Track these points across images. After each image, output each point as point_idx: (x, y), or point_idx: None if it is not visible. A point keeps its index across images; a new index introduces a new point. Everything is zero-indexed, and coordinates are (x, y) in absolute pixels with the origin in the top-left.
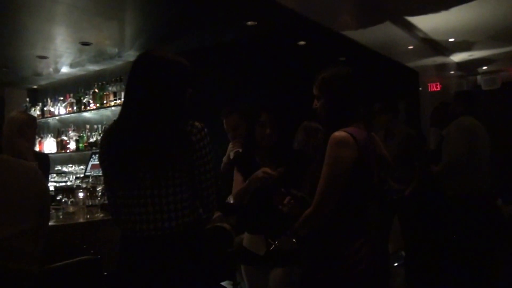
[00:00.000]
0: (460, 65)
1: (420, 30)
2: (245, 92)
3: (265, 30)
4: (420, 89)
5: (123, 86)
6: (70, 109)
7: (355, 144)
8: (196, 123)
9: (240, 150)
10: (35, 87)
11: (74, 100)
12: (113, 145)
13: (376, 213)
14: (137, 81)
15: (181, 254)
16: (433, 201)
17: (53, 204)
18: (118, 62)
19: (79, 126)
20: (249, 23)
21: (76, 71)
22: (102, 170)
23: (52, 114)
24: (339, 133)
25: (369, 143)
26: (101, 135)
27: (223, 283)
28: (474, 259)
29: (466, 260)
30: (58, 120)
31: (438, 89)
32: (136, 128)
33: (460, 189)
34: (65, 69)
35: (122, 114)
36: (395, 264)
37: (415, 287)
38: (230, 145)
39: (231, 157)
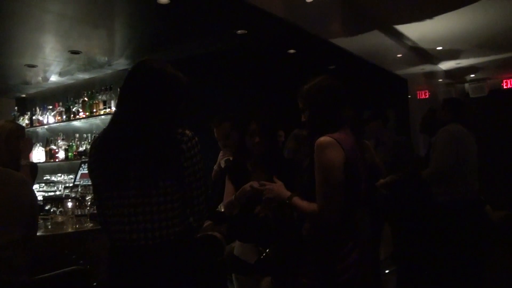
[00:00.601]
0: (448, 73)
1: (408, 39)
2: (235, 101)
3: (255, 38)
4: (409, 96)
5: (113, 95)
6: (59, 118)
7: (341, 148)
8: (187, 131)
9: (231, 158)
10: (23, 95)
11: (63, 109)
12: (103, 154)
13: (366, 219)
14: (133, 91)
15: (172, 264)
16: (423, 207)
17: (41, 214)
18: (107, 71)
19: (68, 135)
20: (239, 31)
21: (65, 79)
22: (91, 179)
23: (41, 123)
24: (324, 138)
25: (355, 149)
26: (91, 144)
27: None
28: (463, 265)
29: (456, 266)
30: (47, 129)
31: (427, 96)
32: (127, 138)
33: (449, 195)
34: (54, 78)
35: (113, 122)
36: (386, 271)
37: None
38: (221, 154)
39: (222, 165)
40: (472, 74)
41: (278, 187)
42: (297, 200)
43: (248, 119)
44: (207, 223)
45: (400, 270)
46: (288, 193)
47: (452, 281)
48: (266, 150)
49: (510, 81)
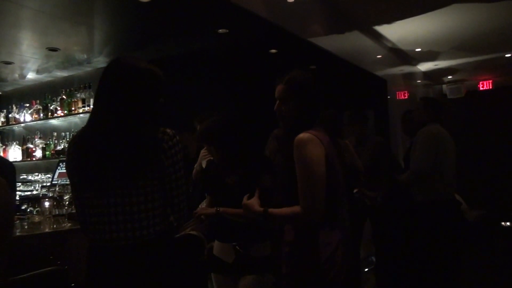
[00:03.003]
0: (426, 74)
1: (388, 40)
2: (218, 100)
3: (237, 38)
4: (388, 97)
5: (92, 93)
6: (36, 116)
7: (321, 144)
8: (168, 130)
9: (212, 158)
10: None
11: (40, 107)
12: (82, 153)
13: (346, 218)
14: (108, 88)
15: (152, 263)
16: (403, 207)
17: (18, 214)
18: (87, 69)
19: (46, 133)
20: (221, 31)
21: (43, 77)
22: (70, 178)
23: (18, 121)
24: (304, 135)
25: (332, 146)
26: (68, 142)
27: None
28: (440, 263)
29: (433, 264)
30: (23, 127)
31: (406, 97)
32: (106, 136)
33: (428, 195)
34: (31, 75)
35: (91, 121)
36: (366, 270)
37: None
38: (202, 152)
39: (203, 165)
40: (450, 75)
41: (248, 207)
42: (274, 211)
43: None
44: (189, 222)
45: (379, 268)
46: (261, 208)
47: (429, 279)
48: (225, 157)
49: (486, 82)
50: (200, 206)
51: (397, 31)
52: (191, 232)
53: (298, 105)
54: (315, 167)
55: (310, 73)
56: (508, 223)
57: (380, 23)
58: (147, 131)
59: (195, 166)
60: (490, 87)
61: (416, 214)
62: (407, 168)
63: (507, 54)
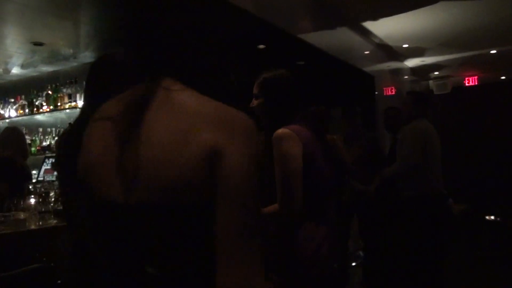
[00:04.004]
0: (413, 70)
1: (375, 36)
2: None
3: (224, 33)
4: (376, 93)
5: (79, 88)
6: (21, 111)
7: (299, 139)
8: None
9: None
10: None
11: (25, 102)
12: (70, 149)
13: (333, 213)
14: (94, 85)
15: None
16: (390, 201)
17: (2, 210)
18: (73, 64)
19: (31, 129)
20: None
21: (28, 72)
22: (58, 173)
23: (2, 117)
24: (281, 130)
25: (314, 142)
26: (58, 138)
27: None
28: (427, 257)
29: (420, 258)
30: (8, 123)
31: (393, 93)
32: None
33: (414, 190)
34: (16, 70)
35: (79, 117)
36: (353, 264)
37: (372, 287)
38: None
39: None
40: (436, 71)
41: None
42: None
43: None
44: None
45: (366, 263)
46: None
47: (416, 273)
48: None
49: (472, 78)
50: None
51: (385, 28)
52: None
53: (269, 102)
54: (290, 163)
55: (288, 72)
56: (492, 217)
57: (368, 19)
58: None
59: None
60: (476, 83)
61: (403, 208)
62: (391, 164)
63: (493, 50)
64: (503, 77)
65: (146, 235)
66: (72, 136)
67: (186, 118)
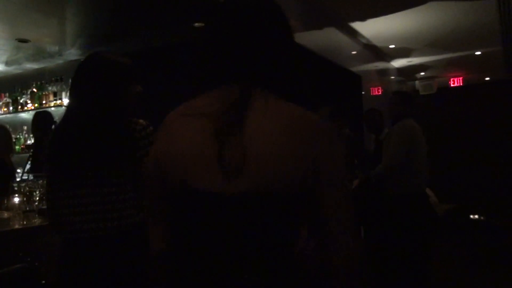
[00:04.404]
0: (400, 71)
1: (363, 37)
2: (193, 94)
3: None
4: (363, 93)
5: (64, 86)
6: (5, 109)
7: None
8: (141, 121)
9: None
10: None
11: (10, 100)
12: (55, 145)
13: None
14: (80, 82)
15: (127, 255)
16: (374, 200)
17: None
18: (58, 61)
19: (16, 127)
20: (196, 24)
21: (12, 69)
22: (46, 171)
23: None
24: None
25: None
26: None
27: None
28: (411, 255)
29: (404, 257)
30: None
31: (380, 93)
32: (77, 127)
33: (399, 189)
34: (0, 67)
35: (65, 115)
36: None
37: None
38: None
39: None
40: (422, 72)
41: None
42: None
43: None
44: None
45: None
46: None
47: (400, 271)
48: None
49: (457, 79)
50: None
51: (372, 28)
52: None
53: None
54: None
55: None
56: (476, 216)
57: (356, 20)
58: (118, 121)
59: None
60: (461, 84)
61: (387, 206)
62: (376, 163)
63: (477, 52)
64: (487, 78)
65: (246, 220)
66: (56, 132)
67: (293, 125)
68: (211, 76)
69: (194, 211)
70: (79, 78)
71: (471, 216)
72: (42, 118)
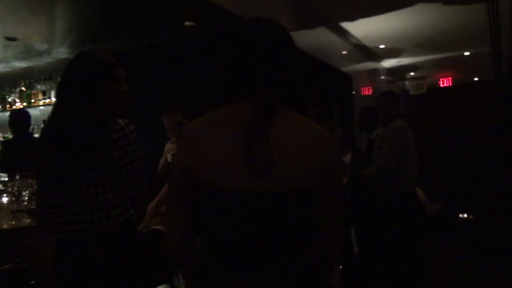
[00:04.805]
0: (390, 71)
1: (353, 36)
2: (183, 93)
3: (203, 31)
4: (353, 92)
5: (53, 85)
6: None
7: None
8: (119, 120)
9: None
10: None
11: None
12: (39, 145)
13: None
14: (70, 83)
15: (110, 255)
16: (365, 199)
17: None
18: (47, 59)
19: (4, 126)
20: (187, 23)
21: (1, 67)
22: (38, 170)
23: None
24: None
25: None
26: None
27: (159, 287)
28: (402, 254)
29: (395, 256)
30: None
31: (370, 93)
32: (55, 128)
33: (391, 188)
34: None
35: (54, 114)
36: None
37: (351, 283)
38: (168, 146)
39: (169, 159)
40: (412, 72)
41: None
42: None
43: (199, 113)
44: (157, 219)
45: (344, 262)
46: None
47: (391, 270)
48: None
49: (446, 79)
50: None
51: (362, 28)
52: (157, 227)
53: None
54: None
55: None
56: (465, 215)
57: (346, 20)
58: (91, 122)
59: (160, 160)
60: (450, 84)
61: (378, 206)
62: (368, 162)
63: (466, 52)
64: (476, 78)
65: (273, 215)
66: (42, 132)
67: (309, 136)
68: (231, 92)
69: (224, 208)
70: (63, 78)
71: (460, 215)
72: (17, 117)
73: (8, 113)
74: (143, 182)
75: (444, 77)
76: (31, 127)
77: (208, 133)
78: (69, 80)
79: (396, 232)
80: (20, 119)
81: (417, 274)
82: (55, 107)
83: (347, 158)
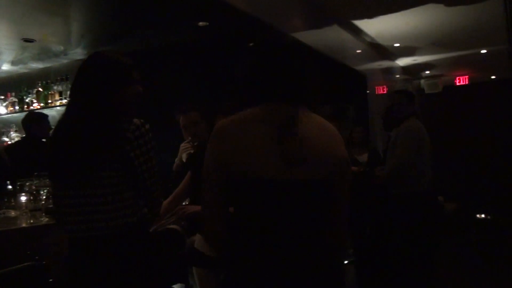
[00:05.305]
0: (405, 69)
1: (367, 35)
2: (197, 93)
3: (217, 31)
4: (368, 92)
5: (69, 86)
6: (11, 108)
7: None
8: (135, 120)
9: (192, 151)
10: None
11: (16, 99)
12: (52, 145)
13: None
14: (76, 81)
15: (125, 255)
16: (379, 199)
17: None
18: (64, 60)
19: (22, 126)
20: (201, 23)
21: (18, 69)
22: (52, 169)
23: None
24: None
25: None
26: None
27: (175, 286)
28: (417, 255)
29: (411, 256)
30: None
31: (385, 92)
32: (69, 128)
33: (405, 188)
34: (6, 67)
35: (63, 115)
36: (345, 262)
37: (365, 284)
38: (182, 145)
39: (184, 159)
40: (427, 71)
41: None
42: None
43: (215, 113)
44: (171, 218)
45: (358, 260)
46: None
47: (407, 270)
48: None
49: (463, 78)
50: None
51: (377, 27)
52: (172, 227)
53: None
54: None
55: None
56: (483, 215)
57: (360, 18)
58: (107, 122)
59: (175, 160)
60: (467, 83)
61: (392, 206)
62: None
63: (483, 50)
64: (493, 77)
65: (303, 201)
66: (54, 133)
67: (328, 133)
68: (262, 94)
69: (261, 196)
70: (79, 78)
71: (478, 215)
72: (29, 119)
73: (25, 114)
74: (157, 181)
75: (460, 75)
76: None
77: (245, 129)
78: (85, 80)
79: (412, 233)
80: (31, 121)
81: (432, 275)
82: (68, 107)
83: (363, 157)
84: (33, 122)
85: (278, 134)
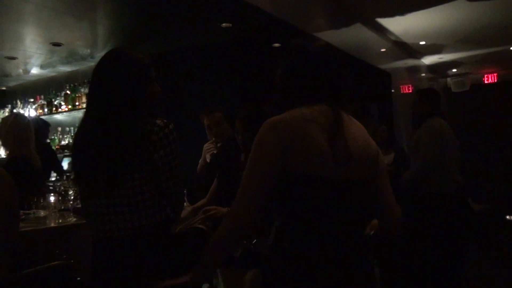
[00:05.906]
0: (430, 68)
1: (391, 33)
2: (220, 93)
3: (240, 32)
4: (392, 91)
5: None
6: (40, 111)
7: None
8: (158, 121)
9: (215, 152)
10: (3, 88)
11: (45, 102)
12: (75, 148)
13: None
14: (96, 80)
15: (148, 254)
16: (405, 199)
17: (23, 208)
18: (90, 63)
19: (50, 128)
20: (224, 25)
21: (47, 72)
22: (78, 169)
23: None
24: None
25: None
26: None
27: None
28: (446, 256)
29: (439, 258)
30: None
31: (410, 91)
32: (91, 131)
33: (431, 188)
34: (35, 70)
35: (83, 117)
36: None
37: (390, 285)
38: (206, 146)
39: (207, 159)
40: (454, 69)
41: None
42: None
43: (236, 115)
44: (199, 216)
45: (383, 260)
46: None
47: (435, 271)
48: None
49: (491, 76)
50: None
51: (401, 24)
52: (199, 226)
53: None
54: None
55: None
56: None
57: (384, 16)
58: (131, 123)
59: (199, 160)
60: (495, 80)
61: (419, 206)
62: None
63: None
64: None
65: (351, 197)
66: (76, 136)
67: (363, 131)
68: (306, 95)
69: (315, 193)
70: (98, 78)
71: (507, 217)
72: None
73: (55, 116)
74: (181, 181)
75: (489, 73)
76: (76, 129)
77: (299, 128)
78: (105, 80)
79: (441, 233)
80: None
81: (460, 277)
82: (89, 109)
83: (389, 158)
84: (39, 128)
85: (329, 135)
